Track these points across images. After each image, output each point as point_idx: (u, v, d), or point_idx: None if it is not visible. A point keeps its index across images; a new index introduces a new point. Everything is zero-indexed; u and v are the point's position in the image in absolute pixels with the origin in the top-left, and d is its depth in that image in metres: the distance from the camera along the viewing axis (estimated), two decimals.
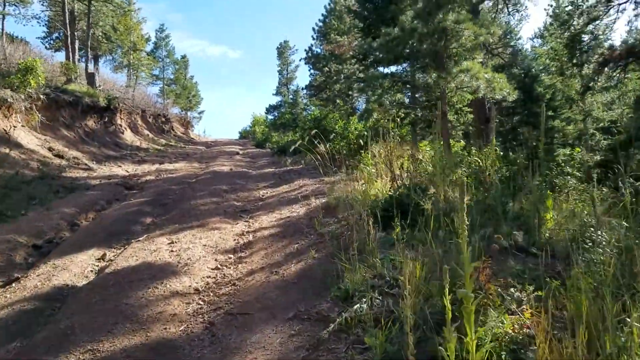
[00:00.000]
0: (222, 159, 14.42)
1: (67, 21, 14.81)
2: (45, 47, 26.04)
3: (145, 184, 9.24)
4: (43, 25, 23.90)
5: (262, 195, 7.94)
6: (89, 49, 16.28)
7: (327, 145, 13.90)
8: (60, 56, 24.70)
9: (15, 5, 19.99)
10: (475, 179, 4.95)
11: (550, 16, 31.96)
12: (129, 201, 7.39)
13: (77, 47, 18.06)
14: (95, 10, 17.11)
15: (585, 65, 14.50)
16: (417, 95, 12.42)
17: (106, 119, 14.63)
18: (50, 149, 9.96)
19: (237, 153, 17.15)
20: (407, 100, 12.90)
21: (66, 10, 14.79)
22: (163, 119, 27.59)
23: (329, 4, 34.14)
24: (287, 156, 15.70)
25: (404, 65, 14.69)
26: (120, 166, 11.19)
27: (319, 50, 34.36)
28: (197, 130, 39.86)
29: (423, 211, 3.79)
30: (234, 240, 5.13)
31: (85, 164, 10.24)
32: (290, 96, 46.86)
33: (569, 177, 5.06)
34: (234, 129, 74.25)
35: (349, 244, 3.71)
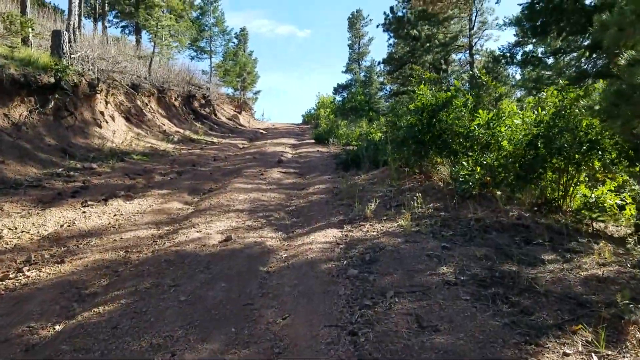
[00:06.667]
0: (245, 180, 7.71)
1: None
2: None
3: None
4: None
5: None
6: None
7: (457, 165, 6.43)
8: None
9: None
10: None
11: None
12: None
13: (74, 3, 12.01)
14: None
15: None
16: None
17: (52, 104, 8.47)
18: None
19: (280, 161, 10.35)
20: None
21: None
22: (202, 101, 21.54)
23: None
24: (362, 172, 8.66)
25: None
26: None
27: (402, 13, 26.39)
28: (257, 114, 33.81)
29: None
30: None
31: None
32: (363, 73, 39.11)
33: None
34: (300, 111, 68.22)
35: None
